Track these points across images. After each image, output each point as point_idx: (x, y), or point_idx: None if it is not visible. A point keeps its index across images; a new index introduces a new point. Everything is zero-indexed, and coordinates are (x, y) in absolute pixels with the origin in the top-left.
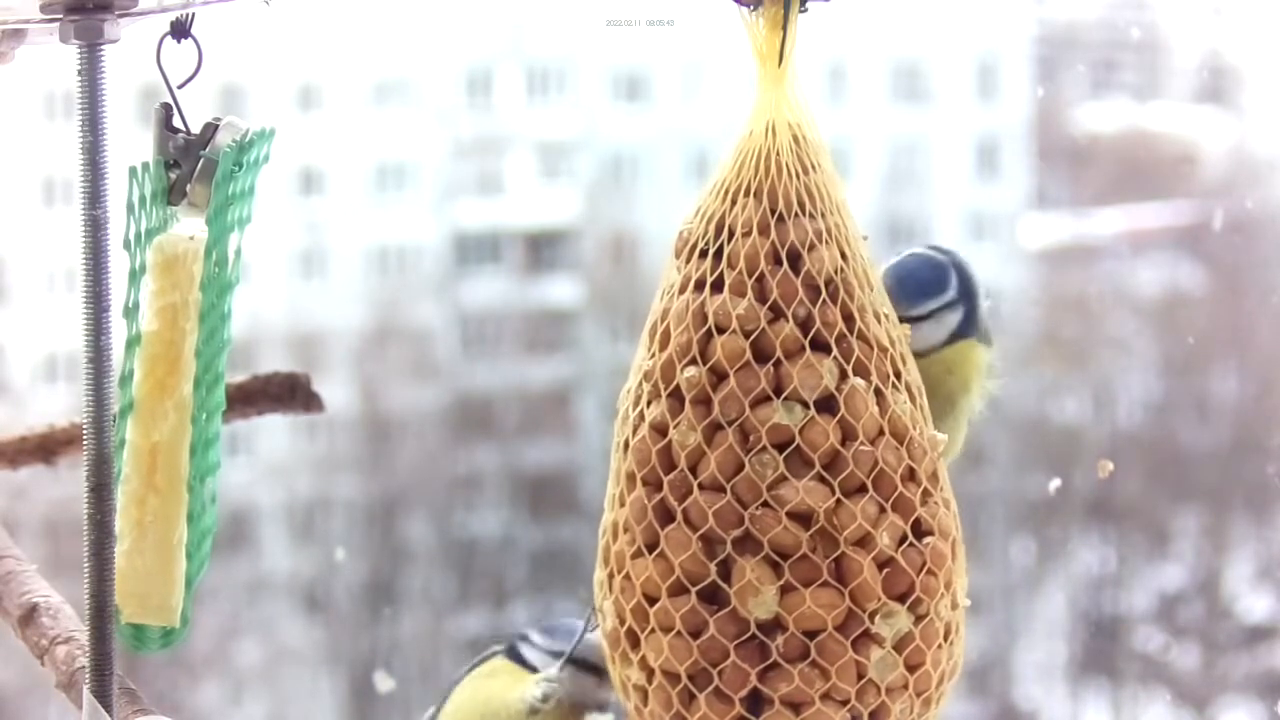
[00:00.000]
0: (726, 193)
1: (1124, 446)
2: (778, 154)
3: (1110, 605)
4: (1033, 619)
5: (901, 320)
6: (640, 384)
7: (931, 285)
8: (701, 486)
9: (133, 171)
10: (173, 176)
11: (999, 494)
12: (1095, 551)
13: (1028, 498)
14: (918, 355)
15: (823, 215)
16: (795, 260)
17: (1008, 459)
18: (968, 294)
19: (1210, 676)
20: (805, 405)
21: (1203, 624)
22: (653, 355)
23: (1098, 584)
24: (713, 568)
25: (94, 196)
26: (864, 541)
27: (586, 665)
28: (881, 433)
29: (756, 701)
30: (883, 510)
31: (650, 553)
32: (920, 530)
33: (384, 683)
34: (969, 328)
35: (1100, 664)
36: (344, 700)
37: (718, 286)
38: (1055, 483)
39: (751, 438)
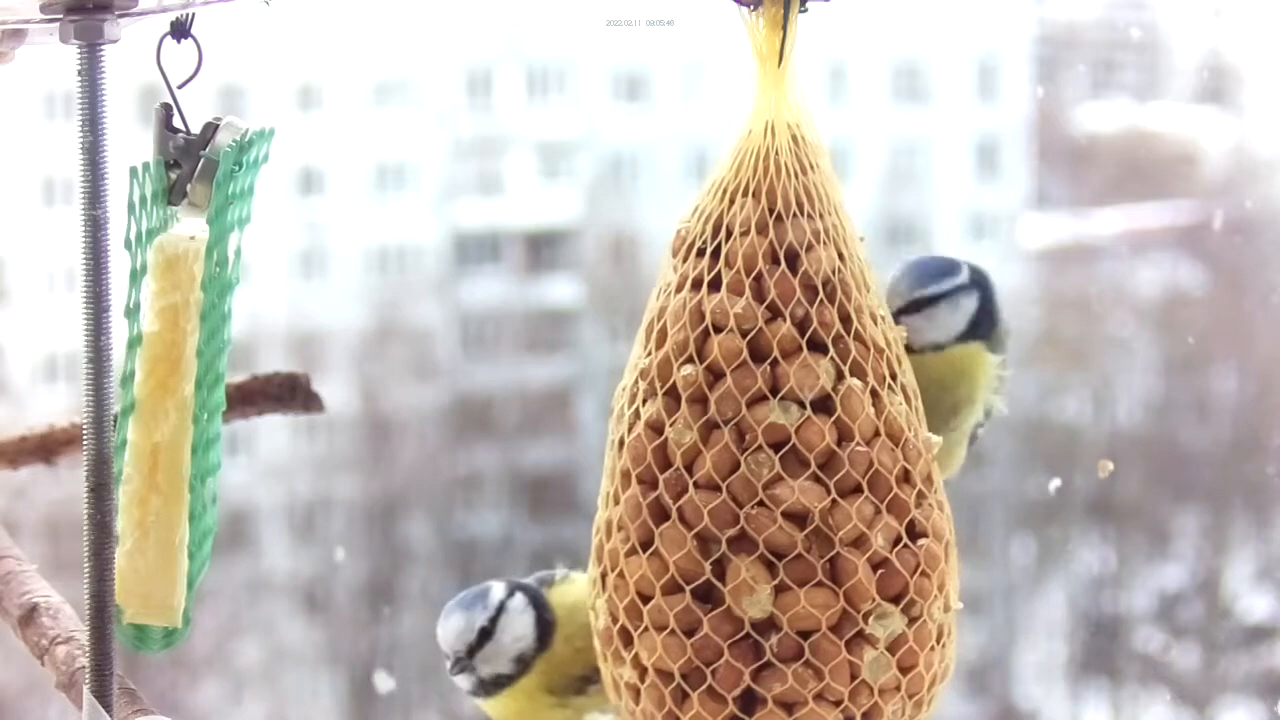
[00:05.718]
0: (725, 192)
1: (1124, 446)
2: (777, 154)
3: (1110, 605)
4: (1033, 619)
5: (916, 305)
6: (636, 382)
7: (942, 269)
8: (697, 485)
9: (133, 171)
10: (173, 176)
11: (999, 494)
12: (1095, 551)
13: (1028, 498)
14: (933, 348)
15: (821, 216)
16: (793, 260)
17: (1008, 459)
18: (984, 287)
19: (1210, 676)
20: (801, 405)
21: (1203, 624)
22: (649, 353)
23: (1098, 584)
24: (707, 566)
25: (94, 196)
26: (859, 542)
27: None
28: (877, 434)
29: (750, 701)
30: (878, 511)
31: (644, 551)
32: (915, 532)
33: (384, 683)
34: (988, 325)
35: (1100, 664)
36: (344, 700)
37: (715, 285)
38: (1055, 483)
39: (747, 437)
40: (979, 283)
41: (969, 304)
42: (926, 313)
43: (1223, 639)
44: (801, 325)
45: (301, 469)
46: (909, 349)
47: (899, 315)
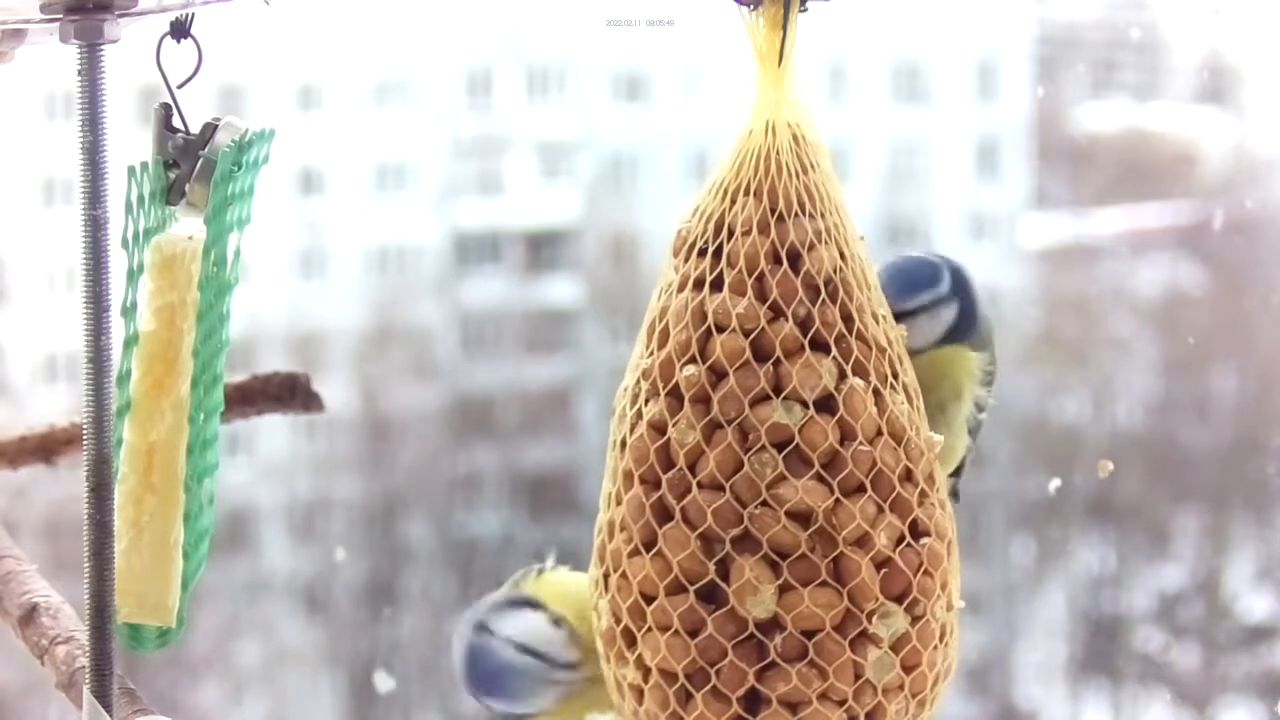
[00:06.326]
0: (726, 192)
1: (1124, 446)
2: (777, 153)
3: (1110, 605)
4: (1033, 619)
5: (896, 317)
6: (638, 382)
7: (923, 280)
8: (700, 485)
9: (131, 171)
10: (172, 176)
11: (999, 494)
12: (1095, 551)
13: (1028, 498)
14: (911, 354)
15: (822, 215)
16: (795, 260)
17: (1008, 459)
18: (964, 293)
19: (1210, 676)
20: (804, 405)
21: (1203, 624)
22: (651, 353)
23: (1098, 584)
24: (711, 567)
25: (94, 196)
26: (862, 541)
27: None
28: (880, 433)
29: (754, 701)
30: (881, 510)
31: (648, 551)
32: (917, 531)
33: (384, 683)
34: (967, 329)
35: (1100, 664)
36: (344, 700)
37: (717, 285)
38: (1055, 483)
39: (750, 437)
40: (959, 290)
41: (948, 315)
42: (905, 323)
43: (1223, 639)
44: (804, 325)
45: (301, 469)
46: None
47: None
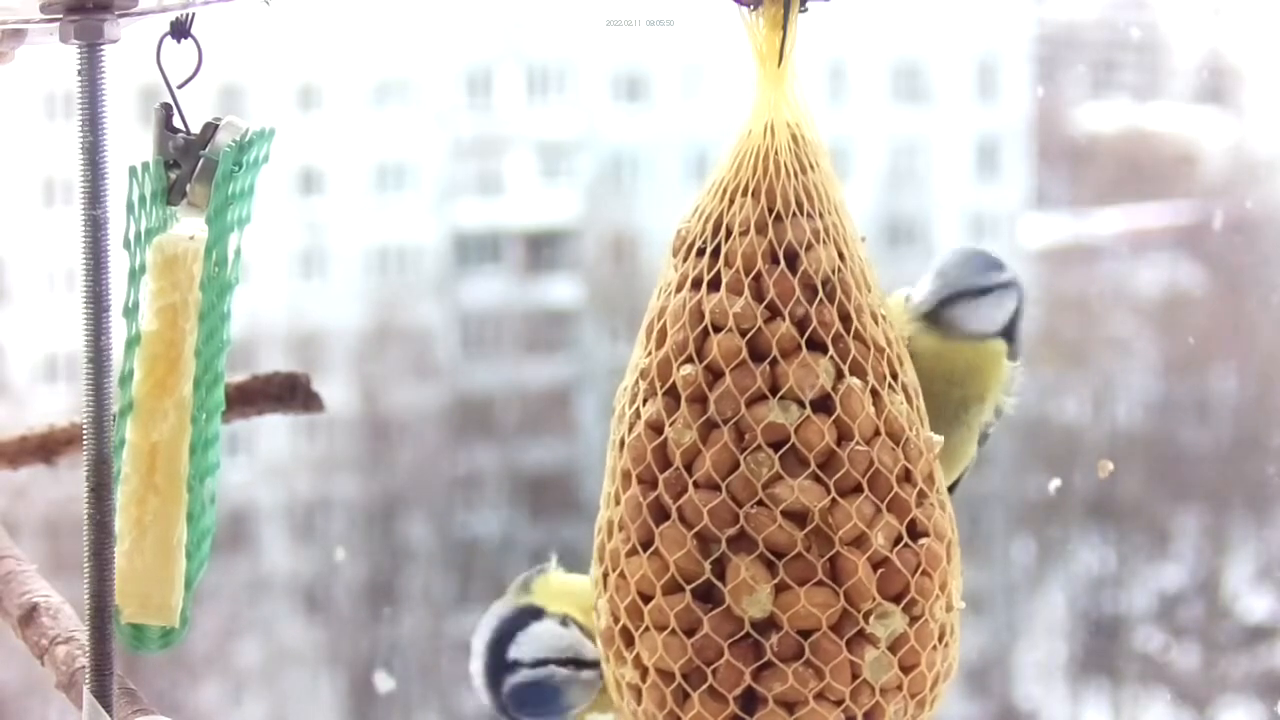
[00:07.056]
0: (725, 192)
1: (1124, 446)
2: (776, 153)
3: (1110, 605)
4: (1033, 619)
5: (967, 293)
6: (636, 382)
7: (996, 263)
8: (696, 484)
9: (132, 171)
10: (172, 176)
11: (999, 494)
12: (1095, 551)
13: (1028, 498)
14: (974, 337)
15: (821, 215)
16: (792, 259)
17: (1008, 459)
18: (1019, 288)
19: (1210, 676)
20: (801, 404)
21: (1203, 624)
22: (649, 353)
23: (1098, 584)
24: (707, 566)
25: (94, 196)
26: (859, 541)
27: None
28: (877, 433)
29: (750, 701)
30: (878, 510)
31: (645, 550)
32: (916, 531)
33: (384, 683)
34: (1014, 328)
35: (1100, 664)
36: (344, 700)
37: (715, 285)
38: (1055, 483)
39: (747, 436)
40: (1018, 286)
41: (1010, 303)
42: (979, 300)
43: (1223, 639)
44: (801, 324)
45: (301, 469)
46: (951, 330)
47: (949, 300)
